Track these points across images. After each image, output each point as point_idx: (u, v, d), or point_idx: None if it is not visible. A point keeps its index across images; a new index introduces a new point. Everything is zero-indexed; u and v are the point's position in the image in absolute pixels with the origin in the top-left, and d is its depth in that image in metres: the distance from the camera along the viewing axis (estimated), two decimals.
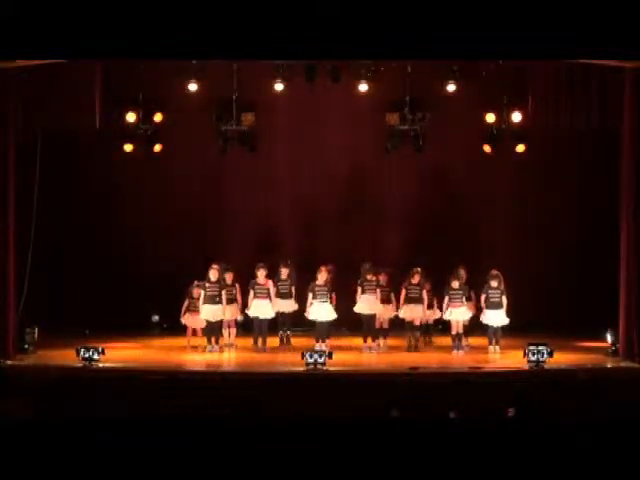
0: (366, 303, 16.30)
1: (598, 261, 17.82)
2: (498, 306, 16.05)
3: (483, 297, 16.14)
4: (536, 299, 18.32)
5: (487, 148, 17.97)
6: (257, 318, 16.34)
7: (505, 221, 18.88)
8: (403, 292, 16.38)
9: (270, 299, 16.37)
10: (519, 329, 16.66)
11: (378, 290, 16.32)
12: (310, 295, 16.13)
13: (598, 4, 14.01)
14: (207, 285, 16.13)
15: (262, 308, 16.34)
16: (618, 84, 15.46)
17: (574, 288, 18.29)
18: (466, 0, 14.13)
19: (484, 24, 13.99)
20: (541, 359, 14.43)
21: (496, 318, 16.06)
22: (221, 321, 16.28)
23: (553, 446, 9.01)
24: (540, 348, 14.50)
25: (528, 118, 16.99)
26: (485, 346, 16.18)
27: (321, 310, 16.13)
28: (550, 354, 14.49)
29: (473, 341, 16.74)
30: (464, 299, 16.32)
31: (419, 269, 16.41)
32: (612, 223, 16.14)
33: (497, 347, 16.06)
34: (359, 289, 16.26)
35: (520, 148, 17.88)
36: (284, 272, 16.49)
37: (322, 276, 16.14)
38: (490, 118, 17.63)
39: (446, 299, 16.31)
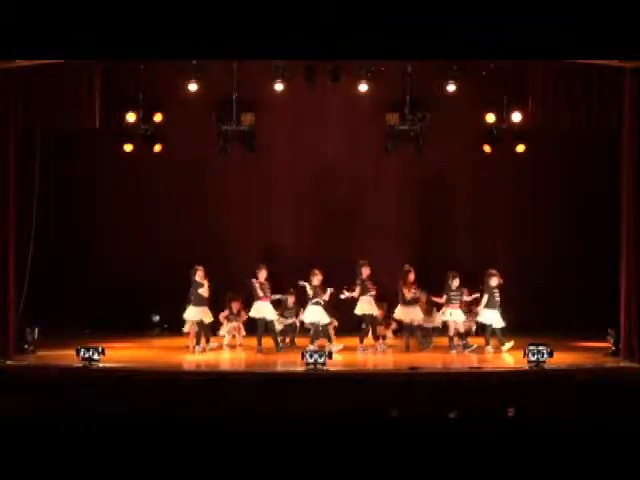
0: (365, 304, 16.31)
1: (598, 261, 17.81)
2: (498, 306, 16.04)
3: (485, 297, 16.12)
4: (536, 299, 18.32)
5: (487, 148, 18.00)
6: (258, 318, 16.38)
7: (505, 221, 18.88)
8: (407, 292, 16.38)
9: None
10: (519, 329, 16.65)
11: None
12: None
13: (598, 4, 13.99)
14: (200, 290, 16.13)
15: (262, 309, 16.35)
16: (618, 84, 15.46)
17: (574, 288, 18.27)
18: (466, 0, 14.13)
19: (484, 24, 13.98)
20: (541, 359, 14.41)
21: (493, 318, 16.06)
22: (211, 322, 16.29)
23: (553, 446, 9.01)
24: (540, 348, 14.49)
25: (528, 118, 16.98)
26: (485, 346, 16.19)
27: (314, 312, 16.15)
28: (550, 354, 14.48)
29: (473, 341, 16.72)
30: (461, 300, 16.36)
31: (411, 268, 16.35)
32: (612, 223, 16.13)
33: (501, 347, 16.03)
34: (357, 289, 16.28)
35: (520, 148, 17.91)
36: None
37: (317, 279, 16.14)
38: (490, 118, 17.67)
39: (444, 298, 16.33)
